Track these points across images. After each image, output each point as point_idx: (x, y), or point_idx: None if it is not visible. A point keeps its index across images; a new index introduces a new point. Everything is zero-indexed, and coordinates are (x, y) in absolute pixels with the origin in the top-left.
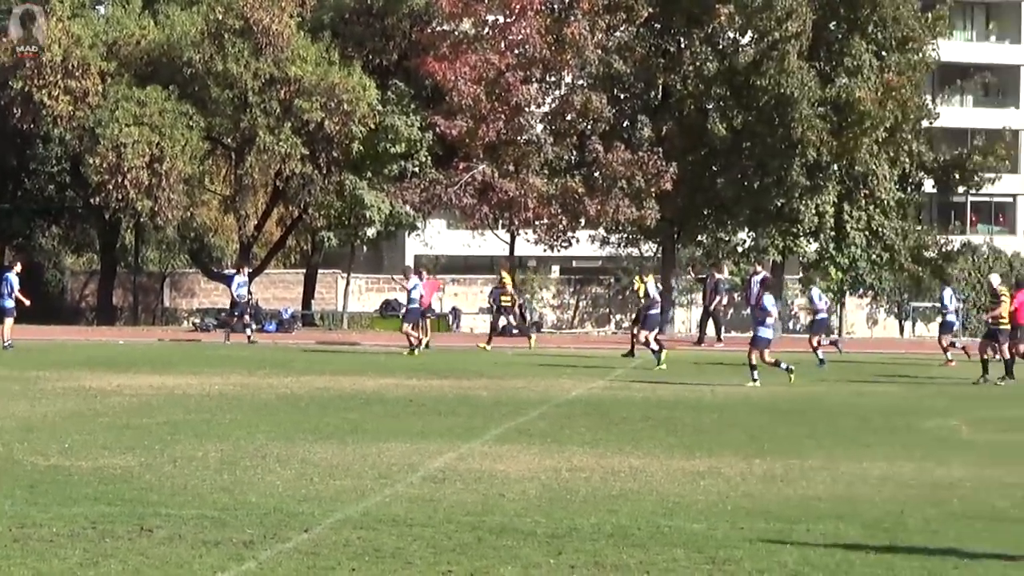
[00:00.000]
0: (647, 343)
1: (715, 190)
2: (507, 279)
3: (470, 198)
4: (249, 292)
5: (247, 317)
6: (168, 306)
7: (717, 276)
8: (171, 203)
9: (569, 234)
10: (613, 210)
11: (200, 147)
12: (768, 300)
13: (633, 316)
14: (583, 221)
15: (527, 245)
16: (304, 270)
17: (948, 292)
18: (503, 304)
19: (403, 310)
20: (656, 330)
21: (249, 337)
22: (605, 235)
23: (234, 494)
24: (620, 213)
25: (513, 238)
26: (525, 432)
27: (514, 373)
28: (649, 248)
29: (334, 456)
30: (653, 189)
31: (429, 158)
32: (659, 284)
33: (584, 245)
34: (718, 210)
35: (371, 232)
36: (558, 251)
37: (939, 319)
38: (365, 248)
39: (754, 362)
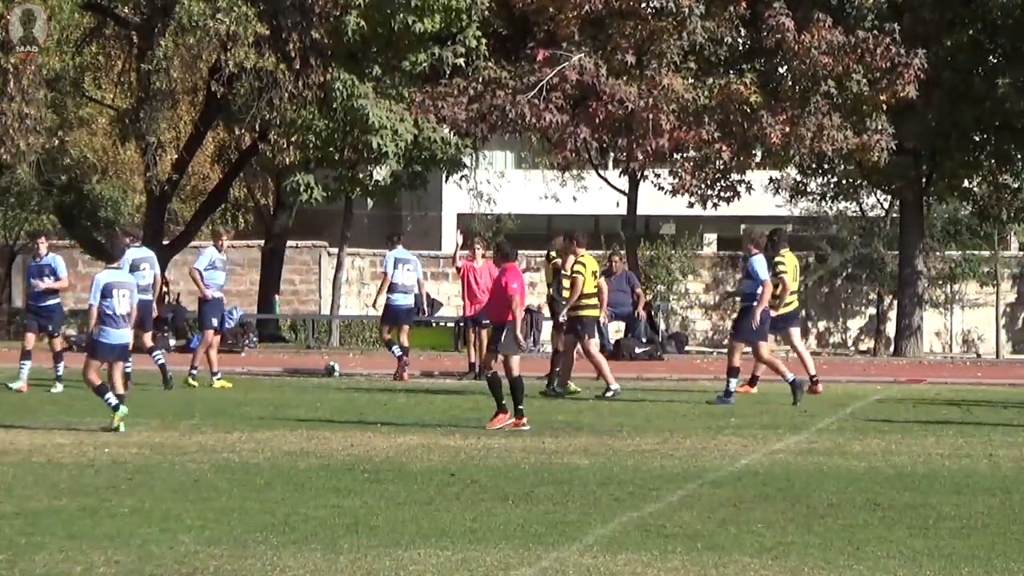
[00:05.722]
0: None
1: (996, 98)
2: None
3: (557, 112)
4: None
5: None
6: (19, 305)
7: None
8: (24, 122)
9: (734, 177)
10: (813, 134)
11: (77, 20)
12: None
13: None
14: (759, 155)
15: (659, 198)
16: (262, 242)
17: None
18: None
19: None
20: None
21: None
22: (799, 179)
23: None
24: (826, 140)
25: (634, 184)
26: (657, 530)
27: (637, 425)
28: (877, 202)
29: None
30: (884, 97)
31: (484, 41)
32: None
33: (760, 198)
34: (1001, 135)
35: (381, 174)
36: (714, 208)
37: None
38: (371, 203)
39: None
